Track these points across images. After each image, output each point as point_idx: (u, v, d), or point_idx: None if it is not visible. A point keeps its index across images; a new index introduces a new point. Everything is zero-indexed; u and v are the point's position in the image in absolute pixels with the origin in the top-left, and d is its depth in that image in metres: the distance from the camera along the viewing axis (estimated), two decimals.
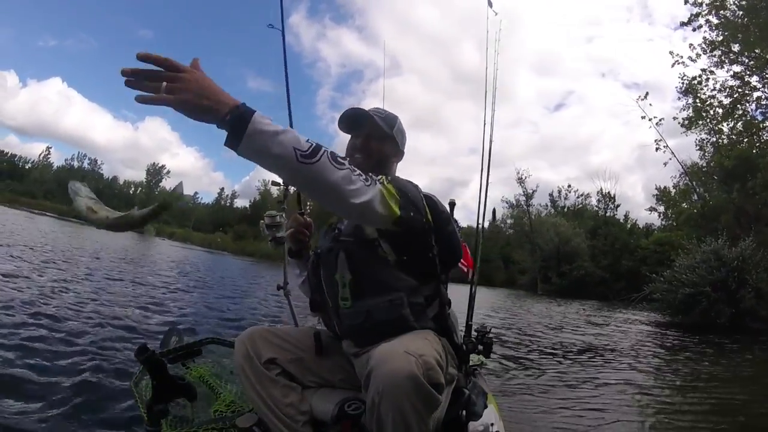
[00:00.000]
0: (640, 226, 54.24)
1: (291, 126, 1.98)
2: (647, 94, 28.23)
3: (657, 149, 26.68)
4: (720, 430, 3.98)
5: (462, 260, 3.07)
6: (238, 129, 1.18)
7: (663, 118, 26.83)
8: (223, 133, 1.21)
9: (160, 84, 1.16)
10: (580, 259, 47.78)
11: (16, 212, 43.09)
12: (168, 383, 2.03)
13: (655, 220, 45.71)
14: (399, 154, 1.99)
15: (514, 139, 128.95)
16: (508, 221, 67.10)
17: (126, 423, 2.69)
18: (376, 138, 1.88)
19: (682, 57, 23.73)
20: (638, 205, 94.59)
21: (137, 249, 25.27)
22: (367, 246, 1.69)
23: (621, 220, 56.21)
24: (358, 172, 1.42)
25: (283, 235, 2.46)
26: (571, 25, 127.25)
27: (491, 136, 3.19)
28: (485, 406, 1.81)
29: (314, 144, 1.30)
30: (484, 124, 3.24)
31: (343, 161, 1.36)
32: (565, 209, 63.39)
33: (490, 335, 2.63)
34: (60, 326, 4.70)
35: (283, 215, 2.55)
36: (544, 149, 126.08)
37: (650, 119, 26.72)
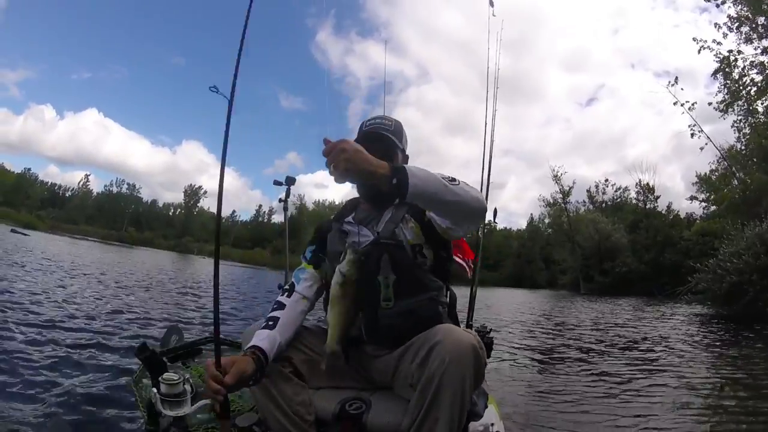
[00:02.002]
0: (682, 217, 52.39)
1: None
2: (677, 78, 27.32)
3: (692, 135, 25.84)
4: None
5: (461, 254, 3.08)
6: (404, 181, 1.41)
7: (696, 102, 26.02)
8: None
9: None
10: (622, 255, 46.79)
11: (59, 238, 44.67)
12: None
13: (696, 209, 44.24)
14: (406, 159, 2.10)
15: (547, 137, 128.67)
16: (546, 221, 66.36)
17: (126, 422, 2.70)
18: (390, 156, 1.95)
19: (705, 41, 23.03)
20: (678, 195, 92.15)
21: (175, 266, 25.86)
22: (410, 249, 1.80)
23: (662, 212, 54.48)
24: None
25: (186, 413, 2.04)
26: (596, 17, 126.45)
27: (492, 135, 3.19)
28: (485, 407, 1.79)
29: (448, 175, 1.56)
30: (486, 124, 3.25)
31: (464, 182, 1.59)
32: (603, 204, 62.22)
33: (491, 335, 2.63)
34: (63, 325, 4.81)
35: (189, 383, 2.14)
36: (579, 145, 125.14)
37: (682, 104, 25.94)
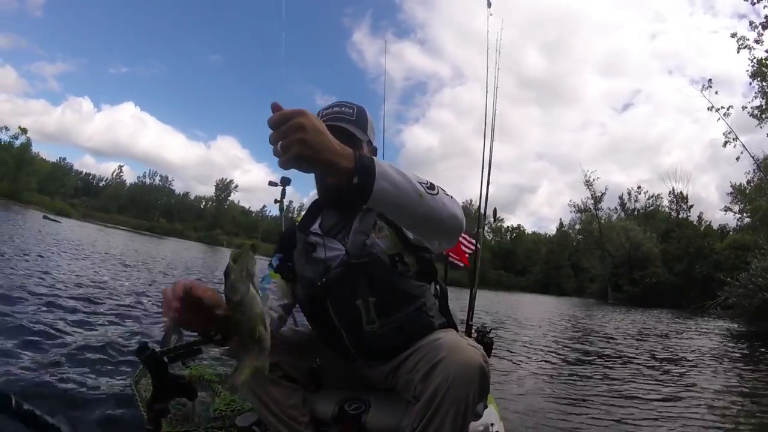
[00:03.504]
0: (715, 228, 51.25)
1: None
2: (710, 80, 26.53)
3: (726, 143, 25.13)
4: None
5: (454, 254, 3.06)
6: (369, 183, 1.10)
7: (731, 106, 25.25)
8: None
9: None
10: (653, 265, 45.87)
11: (90, 226, 45.77)
12: (168, 382, 2.03)
13: (730, 220, 43.14)
14: (374, 151, 1.83)
15: (582, 142, 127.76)
16: (577, 227, 65.58)
17: (126, 422, 2.72)
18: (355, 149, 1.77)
19: (747, 39, 22.37)
20: (712, 206, 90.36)
21: (201, 258, 26.19)
22: (387, 262, 1.61)
23: (694, 222, 53.20)
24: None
25: None
26: (634, 22, 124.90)
27: (492, 135, 3.17)
28: (485, 407, 1.76)
29: (426, 180, 1.26)
30: (485, 124, 3.23)
31: (443, 189, 1.31)
32: (635, 212, 61.15)
33: (491, 335, 2.58)
34: (65, 326, 4.88)
35: None
36: (614, 151, 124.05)
37: (717, 110, 25.22)
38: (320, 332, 1.77)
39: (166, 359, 2.31)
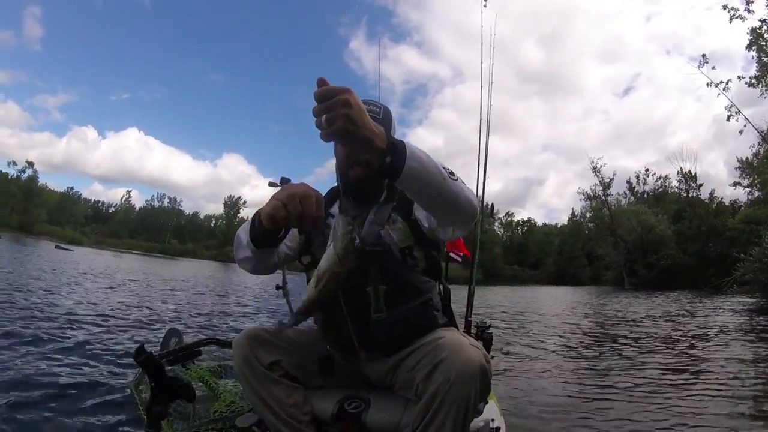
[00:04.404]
0: (726, 204, 50.42)
1: None
2: (704, 55, 26.56)
3: (729, 117, 25.03)
4: None
5: (455, 249, 3.06)
6: (400, 161, 1.20)
7: (730, 80, 25.13)
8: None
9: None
10: (666, 247, 45.44)
11: (102, 252, 46.39)
12: (166, 384, 2.04)
13: (741, 195, 42.61)
14: None
15: (586, 130, 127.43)
16: (588, 215, 65.14)
17: (127, 424, 2.76)
18: None
19: (737, 9, 22.30)
20: (722, 182, 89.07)
21: (216, 276, 26.31)
22: (399, 254, 1.67)
23: (705, 201, 52.45)
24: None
25: None
26: (628, 5, 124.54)
27: (488, 131, 3.17)
28: (486, 402, 1.74)
29: (447, 166, 1.34)
30: (480, 121, 3.23)
31: (460, 178, 1.41)
32: (645, 195, 60.72)
33: (490, 330, 2.58)
34: (69, 331, 4.93)
35: None
36: (618, 137, 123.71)
37: (716, 85, 25.11)
38: (325, 321, 1.78)
39: (164, 362, 2.31)
